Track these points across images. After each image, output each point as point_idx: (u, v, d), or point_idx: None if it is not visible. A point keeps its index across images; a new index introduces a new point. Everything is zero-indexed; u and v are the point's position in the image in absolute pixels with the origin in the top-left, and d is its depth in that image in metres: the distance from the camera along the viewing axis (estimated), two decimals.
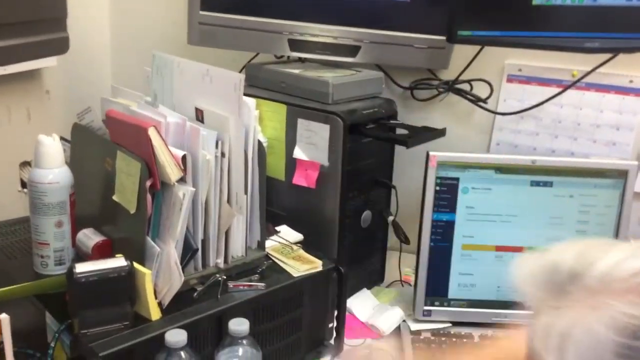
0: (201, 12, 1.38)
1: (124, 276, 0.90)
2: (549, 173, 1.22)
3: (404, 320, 1.28)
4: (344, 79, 1.31)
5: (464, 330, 1.24)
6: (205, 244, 1.03)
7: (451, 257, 1.25)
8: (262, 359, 0.95)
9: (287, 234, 1.22)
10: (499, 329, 1.23)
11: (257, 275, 1.07)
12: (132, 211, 0.96)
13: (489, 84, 1.42)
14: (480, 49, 1.39)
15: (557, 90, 1.39)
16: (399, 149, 1.37)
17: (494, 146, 1.48)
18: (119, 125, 1.02)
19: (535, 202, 1.23)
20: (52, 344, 0.92)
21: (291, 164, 1.30)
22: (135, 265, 0.92)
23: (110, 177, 1.00)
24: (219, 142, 1.00)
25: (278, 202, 1.32)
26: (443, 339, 1.22)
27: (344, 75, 1.34)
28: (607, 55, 1.30)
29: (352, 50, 1.37)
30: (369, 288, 1.41)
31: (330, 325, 1.17)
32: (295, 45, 1.38)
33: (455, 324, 1.27)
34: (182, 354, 0.87)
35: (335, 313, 1.17)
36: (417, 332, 1.24)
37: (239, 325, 0.91)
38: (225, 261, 1.07)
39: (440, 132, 1.34)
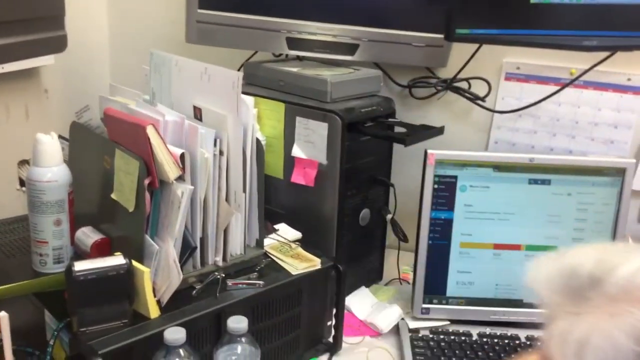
0: (199, 11, 1.38)
1: (123, 274, 0.90)
2: (547, 171, 1.22)
3: (402, 318, 1.28)
4: (342, 77, 1.31)
5: (462, 328, 1.24)
6: (203, 242, 1.03)
7: (449, 255, 1.26)
8: (260, 357, 0.95)
9: (286, 232, 1.22)
10: (497, 328, 1.25)
11: (255, 273, 1.07)
12: (131, 209, 0.96)
13: (487, 82, 1.42)
14: (479, 47, 1.39)
15: (555, 88, 1.39)
16: (397, 147, 1.37)
17: (492, 144, 1.48)
18: (117, 123, 1.02)
19: (533, 200, 1.23)
20: (51, 342, 0.93)
21: (289, 162, 1.30)
22: (134, 263, 0.92)
23: (109, 176, 1.00)
24: (218, 141, 1.01)
25: (276, 200, 1.32)
26: (441, 336, 1.22)
27: (342, 73, 1.34)
28: (605, 54, 1.30)
29: (351, 49, 1.37)
30: (367, 286, 1.41)
31: (329, 323, 1.18)
32: (293, 43, 1.38)
33: (454, 321, 1.27)
34: (181, 351, 0.87)
35: (334, 311, 1.17)
36: (416, 330, 1.24)
37: (238, 323, 0.91)
38: (224, 259, 1.07)
39: (439, 130, 1.34)
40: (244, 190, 1.06)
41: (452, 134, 1.39)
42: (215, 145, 1.00)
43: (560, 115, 1.42)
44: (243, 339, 0.92)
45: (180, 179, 0.96)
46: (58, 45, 1.37)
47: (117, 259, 0.90)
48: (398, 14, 1.37)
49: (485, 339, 1.22)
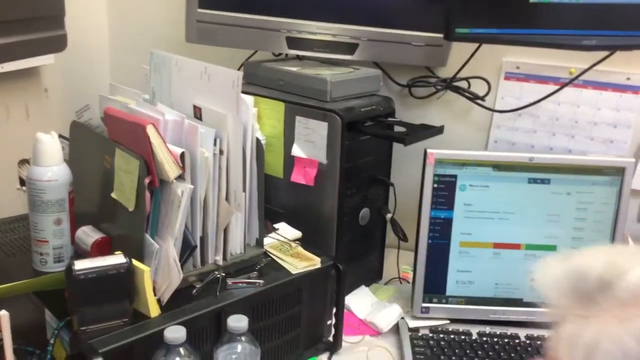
0: (199, 10, 1.38)
1: (123, 273, 0.90)
2: (547, 170, 1.22)
3: (402, 318, 1.28)
4: (342, 77, 1.31)
5: (461, 327, 1.24)
6: (203, 241, 1.03)
7: (449, 255, 1.26)
8: (260, 356, 0.95)
9: (286, 231, 1.22)
10: (497, 327, 1.25)
11: (255, 273, 1.07)
12: (131, 209, 0.96)
13: (487, 81, 1.42)
14: (478, 47, 1.39)
15: (554, 87, 1.39)
16: (397, 147, 1.37)
17: (492, 144, 1.48)
18: (118, 122, 1.02)
19: (532, 199, 1.23)
20: (52, 341, 0.93)
21: (289, 162, 1.30)
22: (134, 262, 0.92)
23: (109, 175, 1.01)
24: (217, 140, 1.01)
25: (276, 199, 1.32)
26: (441, 335, 1.22)
27: (342, 72, 1.35)
28: (605, 53, 1.30)
29: (350, 48, 1.38)
30: (367, 285, 1.41)
31: (329, 322, 1.18)
32: (293, 43, 1.38)
33: (453, 321, 1.27)
34: (181, 350, 0.87)
35: (334, 310, 1.17)
36: (415, 329, 1.24)
37: (238, 322, 0.92)
38: (224, 258, 1.07)
39: (438, 130, 1.34)
40: (244, 190, 1.06)
41: (451, 134, 1.39)
42: (215, 144, 1.00)
43: (560, 114, 1.42)
44: (243, 338, 0.92)
45: (180, 178, 0.96)
46: (58, 44, 1.37)
47: (118, 258, 0.90)
48: (398, 14, 1.37)
49: (485, 338, 1.22)
